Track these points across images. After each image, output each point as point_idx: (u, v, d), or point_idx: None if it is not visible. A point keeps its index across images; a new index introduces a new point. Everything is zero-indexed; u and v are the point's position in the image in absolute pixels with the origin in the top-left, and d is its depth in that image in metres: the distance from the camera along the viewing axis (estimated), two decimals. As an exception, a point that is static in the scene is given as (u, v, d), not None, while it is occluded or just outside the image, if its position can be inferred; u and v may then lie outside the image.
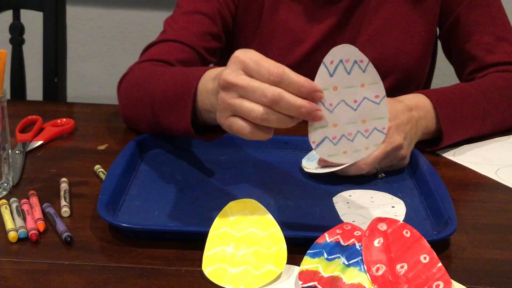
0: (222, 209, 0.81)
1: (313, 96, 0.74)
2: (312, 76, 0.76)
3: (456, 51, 1.29)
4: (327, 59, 0.74)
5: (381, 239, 0.75)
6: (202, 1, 1.21)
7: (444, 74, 1.52)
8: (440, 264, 0.72)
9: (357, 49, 0.74)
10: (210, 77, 0.88)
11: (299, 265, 0.74)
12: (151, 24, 2.17)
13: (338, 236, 0.76)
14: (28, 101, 1.49)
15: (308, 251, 0.75)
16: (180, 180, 0.96)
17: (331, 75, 0.74)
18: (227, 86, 0.77)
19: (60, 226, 0.82)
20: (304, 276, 0.72)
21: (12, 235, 0.80)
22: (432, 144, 1.10)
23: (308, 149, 1.03)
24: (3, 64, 0.88)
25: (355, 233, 0.76)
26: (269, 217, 0.80)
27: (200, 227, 0.81)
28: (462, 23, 1.25)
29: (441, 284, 0.70)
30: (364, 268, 0.73)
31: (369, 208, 0.89)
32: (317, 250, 0.75)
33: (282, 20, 1.23)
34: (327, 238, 0.76)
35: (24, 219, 0.83)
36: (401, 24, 1.24)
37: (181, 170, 1.00)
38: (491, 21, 1.24)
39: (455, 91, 1.14)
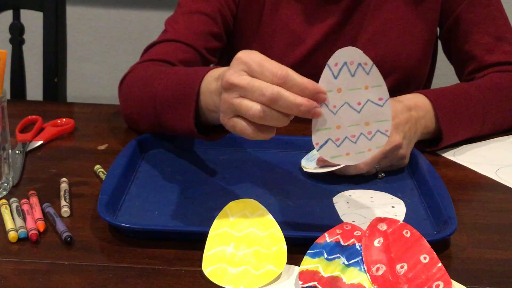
0: (222, 209, 0.81)
1: (316, 98, 0.74)
2: (312, 76, 0.76)
3: (456, 51, 1.29)
4: (331, 61, 0.74)
5: (381, 239, 0.75)
6: (203, 1, 1.21)
7: (444, 74, 1.52)
8: (440, 264, 0.72)
9: (361, 51, 0.75)
10: (213, 77, 0.89)
11: (299, 265, 0.74)
12: (151, 24, 2.17)
13: (338, 236, 0.76)
14: (28, 101, 1.49)
15: (308, 251, 0.75)
16: (180, 180, 0.96)
17: (335, 77, 0.75)
18: (229, 87, 0.77)
19: (60, 226, 0.82)
20: (304, 276, 0.72)
21: (12, 235, 0.80)
22: (432, 144, 1.10)
23: (308, 149, 1.03)
24: (3, 64, 0.88)
25: (355, 233, 0.76)
26: (269, 217, 0.80)
27: (200, 227, 0.81)
28: (462, 23, 1.25)
29: (441, 284, 0.70)
30: (364, 268, 0.73)
31: (369, 208, 0.89)
32: (317, 250, 0.75)
33: (282, 20, 1.23)
34: (327, 238, 0.76)
35: (24, 219, 0.83)
36: (401, 24, 1.24)
37: (181, 170, 1.00)
38: (491, 21, 1.24)
39: (455, 91, 1.14)
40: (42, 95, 1.54)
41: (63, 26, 1.53)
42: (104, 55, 2.25)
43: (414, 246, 0.74)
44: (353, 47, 0.75)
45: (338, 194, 0.93)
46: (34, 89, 1.66)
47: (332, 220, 0.85)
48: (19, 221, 0.82)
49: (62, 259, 0.77)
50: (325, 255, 0.74)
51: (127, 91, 1.11)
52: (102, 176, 0.95)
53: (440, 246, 0.79)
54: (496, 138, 1.17)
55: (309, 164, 0.99)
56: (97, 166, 0.99)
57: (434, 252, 0.73)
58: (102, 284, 0.72)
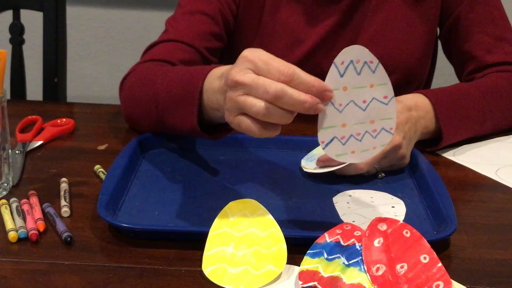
0: (222, 209, 0.81)
1: (322, 96, 0.74)
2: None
3: (456, 51, 1.29)
4: (338, 59, 0.74)
5: (381, 239, 0.75)
6: (204, 1, 1.21)
7: (444, 74, 1.52)
8: (440, 264, 0.72)
9: (367, 50, 0.75)
10: (215, 75, 0.89)
11: (299, 265, 0.74)
12: (151, 24, 2.17)
13: (338, 236, 0.76)
14: (28, 101, 1.49)
15: (308, 251, 0.75)
16: (180, 180, 0.96)
17: (341, 76, 0.75)
18: (234, 85, 0.77)
19: (60, 226, 0.82)
20: (304, 276, 0.72)
21: (12, 235, 0.80)
22: (431, 144, 1.10)
23: (308, 149, 1.03)
24: (3, 64, 0.88)
25: (355, 233, 0.76)
26: (269, 217, 0.80)
27: (200, 227, 0.81)
28: (462, 23, 1.25)
29: (441, 284, 0.70)
30: (364, 268, 0.73)
31: (369, 208, 0.89)
32: (317, 250, 0.75)
33: (282, 20, 1.24)
34: (327, 238, 0.76)
35: (24, 219, 0.83)
36: (401, 24, 1.24)
37: (181, 170, 1.00)
38: (491, 21, 1.24)
39: (455, 91, 1.14)
40: (42, 95, 1.54)
41: (63, 26, 1.53)
42: (104, 55, 2.25)
43: (414, 246, 0.74)
44: (360, 46, 0.75)
45: (338, 194, 0.93)
46: (34, 89, 1.66)
47: (332, 220, 0.85)
48: (19, 221, 0.82)
49: (62, 259, 0.77)
50: (325, 255, 0.74)
51: (128, 91, 1.11)
52: (102, 176, 0.95)
53: (440, 246, 0.79)
54: (496, 138, 1.17)
55: (309, 164, 0.99)
56: (97, 166, 0.99)
57: (434, 252, 0.73)
58: (102, 284, 0.72)
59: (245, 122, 0.77)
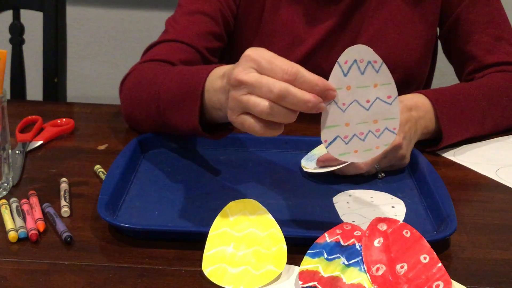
0: (222, 209, 0.81)
1: (326, 95, 0.74)
2: None
3: (456, 51, 1.29)
4: (341, 59, 0.74)
5: (381, 239, 0.75)
6: (204, 1, 1.21)
7: (444, 74, 1.52)
8: (440, 264, 0.72)
9: (371, 49, 0.75)
10: (217, 75, 0.89)
11: (299, 265, 0.74)
12: (151, 24, 2.17)
13: (338, 236, 0.76)
14: (28, 101, 1.49)
15: (308, 251, 0.75)
16: (180, 180, 0.96)
17: (345, 75, 0.75)
18: (238, 84, 0.77)
19: (60, 226, 0.82)
20: (304, 276, 0.72)
21: (12, 235, 0.80)
22: (431, 144, 1.10)
23: (308, 149, 1.03)
24: (3, 64, 0.88)
25: (355, 233, 0.76)
26: (269, 217, 0.80)
27: (200, 227, 0.81)
28: (462, 23, 1.25)
29: (441, 284, 0.70)
30: (364, 268, 0.73)
31: (369, 208, 0.89)
32: (317, 250, 0.75)
33: (282, 20, 1.24)
34: (327, 238, 0.76)
35: (24, 219, 0.83)
36: (401, 24, 1.24)
37: (181, 170, 1.00)
38: (491, 21, 1.24)
39: (455, 91, 1.14)
40: (42, 95, 1.54)
41: (63, 26, 1.53)
42: (104, 55, 2.25)
43: (414, 246, 0.74)
44: (364, 45, 0.75)
45: (338, 194, 0.93)
46: (34, 89, 1.66)
47: (332, 220, 0.85)
48: (19, 221, 0.82)
49: (62, 259, 0.77)
50: (325, 255, 0.74)
51: (128, 91, 1.11)
52: (102, 176, 0.95)
53: (440, 246, 0.79)
54: (496, 138, 1.17)
55: (309, 164, 0.99)
56: (97, 166, 0.99)
57: (434, 252, 0.73)
58: (102, 284, 0.72)
59: (248, 121, 0.77)
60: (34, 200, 0.88)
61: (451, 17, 1.25)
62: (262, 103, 0.75)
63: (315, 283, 0.71)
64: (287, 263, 0.75)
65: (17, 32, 1.53)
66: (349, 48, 0.74)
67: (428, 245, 0.74)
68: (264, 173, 1.00)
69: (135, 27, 2.20)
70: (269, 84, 0.74)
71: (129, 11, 2.20)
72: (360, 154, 0.79)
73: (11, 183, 0.93)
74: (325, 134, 0.77)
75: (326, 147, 0.77)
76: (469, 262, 0.79)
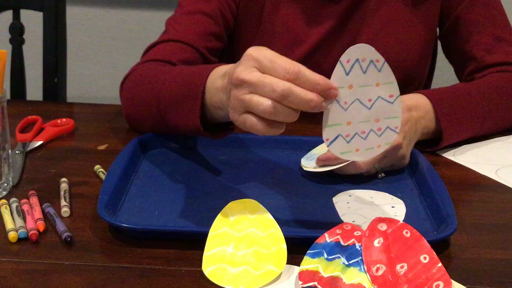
0: (222, 209, 0.81)
1: (328, 94, 0.74)
2: None
3: (456, 52, 1.29)
4: (343, 58, 0.74)
5: (381, 239, 0.75)
6: (204, 1, 1.21)
7: (444, 74, 1.52)
8: (440, 264, 0.72)
9: (373, 48, 0.75)
10: (218, 74, 0.89)
11: (299, 265, 0.74)
12: (151, 24, 2.17)
13: (338, 236, 0.76)
14: (28, 101, 1.49)
15: (308, 251, 0.75)
16: (180, 180, 0.96)
17: (347, 74, 0.75)
18: (240, 83, 0.77)
19: (60, 226, 0.82)
20: (304, 276, 0.72)
21: (12, 235, 0.80)
22: (432, 144, 1.10)
23: (308, 149, 1.03)
24: (3, 64, 0.88)
25: (355, 233, 0.76)
26: (269, 217, 0.80)
27: (200, 227, 0.81)
28: (462, 24, 1.25)
29: (441, 284, 0.70)
30: (364, 268, 0.73)
31: (369, 208, 0.89)
32: (317, 250, 0.75)
33: (282, 20, 1.24)
34: (327, 238, 0.76)
35: (24, 219, 0.83)
36: (400, 24, 1.24)
37: (181, 170, 1.00)
38: (490, 21, 1.24)
39: (455, 91, 1.14)
40: (42, 95, 1.54)
41: (63, 26, 1.53)
42: (104, 55, 2.25)
43: (414, 246, 0.74)
44: (366, 44, 0.75)
45: (338, 194, 0.93)
46: (34, 89, 1.66)
47: (332, 220, 0.85)
48: (19, 221, 0.82)
49: (62, 259, 0.77)
50: (325, 255, 0.74)
51: (129, 92, 1.11)
52: (102, 176, 0.95)
53: (440, 246, 0.79)
54: (496, 138, 1.17)
55: (308, 163, 0.99)
56: (97, 166, 0.99)
57: (434, 252, 0.73)
58: (102, 284, 0.72)
59: (250, 120, 0.77)
60: (34, 200, 0.88)
61: (451, 17, 1.25)
62: (265, 102, 0.75)
63: (315, 283, 0.71)
64: (287, 263, 0.75)
65: (17, 32, 1.53)
66: (351, 47, 0.74)
67: (428, 245, 0.74)
68: (264, 173, 1.00)
69: (135, 27, 2.20)
70: (272, 84, 0.74)
71: (129, 11, 2.20)
72: (362, 153, 0.79)
73: (11, 183, 0.93)
74: (326, 133, 0.77)
75: (328, 146, 0.77)
76: (469, 262, 0.79)
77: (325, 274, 0.72)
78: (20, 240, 0.80)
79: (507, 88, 1.20)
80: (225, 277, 0.73)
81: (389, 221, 0.76)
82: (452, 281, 0.71)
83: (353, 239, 0.76)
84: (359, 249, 0.74)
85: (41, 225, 0.82)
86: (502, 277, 0.76)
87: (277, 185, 0.95)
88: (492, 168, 1.05)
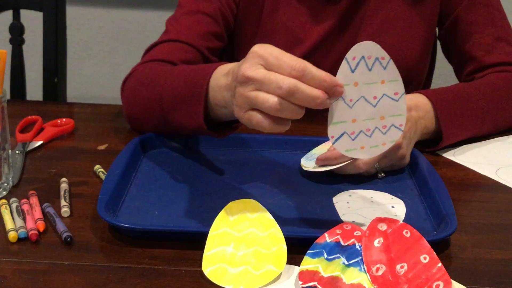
0: (222, 209, 0.81)
1: (334, 91, 0.74)
2: None
3: (455, 52, 1.29)
4: (349, 55, 0.74)
5: (381, 239, 0.75)
6: (204, 1, 1.21)
7: (444, 74, 1.52)
8: (440, 264, 0.72)
9: (379, 46, 0.75)
10: (222, 73, 0.89)
11: (299, 265, 0.74)
12: (151, 24, 2.17)
13: (338, 236, 0.76)
14: (28, 101, 1.49)
15: (308, 251, 0.75)
16: (180, 180, 0.96)
17: (353, 71, 0.75)
18: (245, 81, 0.77)
19: (60, 226, 0.82)
20: (304, 276, 0.72)
21: (12, 235, 0.80)
22: (431, 144, 1.10)
23: (308, 149, 1.03)
24: (3, 64, 0.88)
25: (355, 233, 0.76)
26: (269, 217, 0.80)
27: (200, 227, 0.81)
28: (462, 24, 1.25)
29: (441, 284, 0.70)
30: (364, 268, 0.73)
31: (369, 208, 0.89)
32: (317, 250, 0.75)
33: (282, 20, 1.24)
34: (327, 238, 0.76)
35: (24, 219, 0.83)
36: (400, 24, 1.24)
37: (181, 170, 1.00)
38: (490, 21, 1.24)
39: (455, 91, 1.14)
40: (42, 95, 1.54)
41: (63, 26, 1.53)
42: (104, 55, 2.25)
43: (414, 246, 0.74)
44: (371, 42, 0.75)
45: (338, 194, 0.93)
46: (34, 89, 1.66)
47: (332, 220, 0.85)
48: (19, 221, 0.82)
49: (62, 259, 0.77)
50: (325, 255, 0.74)
51: (130, 92, 1.11)
52: (102, 176, 0.95)
53: (440, 246, 0.79)
54: (496, 138, 1.17)
55: (308, 163, 0.99)
56: (97, 166, 0.99)
57: (434, 252, 0.73)
58: (102, 284, 0.72)
59: (256, 117, 0.77)
60: (34, 200, 0.88)
61: (451, 17, 1.25)
62: (271, 99, 0.75)
63: (315, 283, 0.71)
64: (287, 263, 0.75)
65: (17, 32, 1.53)
66: (357, 45, 0.75)
67: (428, 245, 0.74)
68: (264, 173, 1.00)
69: (135, 27, 2.20)
70: (278, 80, 0.74)
71: (129, 11, 2.20)
72: (367, 151, 0.79)
73: (11, 183, 0.93)
74: (332, 130, 0.77)
75: (333, 143, 0.78)
76: (469, 262, 0.79)
77: (325, 274, 0.72)
78: (20, 240, 0.80)
79: (507, 88, 1.20)
80: (225, 277, 0.73)
81: (389, 221, 0.76)
82: (452, 281, 0.71)
83: (353, 239, 0.76)
84: (359, 249, 0.74)
85: (41, 225, 0.82)
86: (502, 277, 0.76)
87: (277, 185, 0.95)
88: (492, 168, 1.05)
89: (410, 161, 1.01)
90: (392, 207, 0.90)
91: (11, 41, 1.54)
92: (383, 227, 0.76)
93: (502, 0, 1.27)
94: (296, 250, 0.76)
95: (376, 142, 0.79)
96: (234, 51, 1.28)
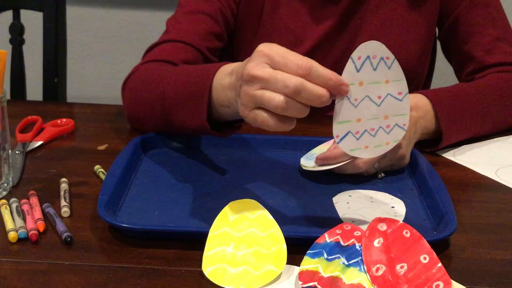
0: (222, 209, 0.81)
1: (339, 90, 0.75)
2: None
3: (455, 52, 1.29)
4: (355, 54, 0.75)
5: (381, 239, 0.75)
6: (204, 1, 1.21)
7: (444, 74, 1.52)
8: (440, 264, 0.72)
9: (384, 46, 0.75)
10: (225, 72, 0.89)
11: (299, 265, 0.74)
12: (151, 24, 2.17)
13: (338, 236, 0.76)
14: (28, 101, 1.49)
15: (308, 251, 0.75)
16: (180, 180, 0.96)
17: (358, 71, 0.75)
18: (251, 79, 0.77)
19: (60, 226, 0.82)
20: (304, 276, 0.72)
21: (12, 235, 0.80)
22: (431, 144, 1.10)
23: (308, 149, 1.03)
24: (3, 64, 0.88)
25: (355, 233, 0.76)
26: (269, 217, 0.80)
27: (200, 227, 0.81)
28: (462, 24, 1.25)
29: (441, 284, 0.70)
30: (364, 268, 0.73)
31: (369, 208, 0.89)
32: (317, 250, 0.75)
33: (282, 20, 1.24)
34: (327, 238, 0.76)
35: (24, 219, 0.83)
36: (400, 24, 1.24)
37: (181, 170, 1.00)
38: (490, 21, 1.24)
39: (455, 91, 1.14)
40: (42, 95, 1.54)
41: (63, 26, 1.53)
42: (104, 55, 2.25)
43: (414, 246, 0.74)
44: (377, 41, 0.75)
45: (338, 194, 0.93)
46: (34, 89, 1.66)
47: (332, 220, 0.85)
48: (19, 221, 0.82)
49: (62, 259, 0.77)
50: (325, 255, 0.74)
51: (132, 92, 1.11)
52: (102, 176, 0.95)
53: (440, 246, 0.79)
54: (496, 138, 1.17)
55: (308, 162, 0.99)
56: (97, 166, 0.99)
57: (434, 252, 0.73)
58: (102, 284, 0.72)
59: (262, 116, 0.77)
60: (34, 200, 0.88)
61: (451, 18, 1.25)
62: (277, 98, 0.75)
63: (315, 283, 0.71)
64: (287, 263, 0.75)
65: (17, 32, 1.53)
66: (362, 44, 0.75)
67: (428, 245, 0.74)
68: (264, 173, 1.00)
69: (135, 27, 2.20)
70: (285, 79, 0.74)
71: (129, 11, 2.20)
72: (371, 150, 0.80)
73: (11, 183, 0.93)
74: (337, 130, 0.77)
75: (338, 143, 0.78)
76: (469, 262, 0.79)
77: (325, 274, 0.72)
78: (20, 240, 0.80)
79: (507, 88, 1.20)
80: (225, 277, 0.73)
81: (389, 221, 0.76)
82: (452, 281, 0.71)
83: (353, 239, 0.76)
84: (359, 249, 0.74)
85: (41, 225, 0.82)
86: (502, 277, 0.76)
87: (277, 185, 0.95)
88: (492, 168, 1.05)
89: (410, 161, 1.01)
90: (392, 207, 0.90)
91: (11, 41, 1.54)
92: (383, 227, 0.76)
93: (502, 0, 1.27)
94: (296, 250, 0.76)
95: (380, 142, 0.79)
96: (234, 51, 1.28)
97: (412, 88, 1.26)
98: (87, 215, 0.86)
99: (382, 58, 0.76)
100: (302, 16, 1.23)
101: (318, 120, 1.08)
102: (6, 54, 0.88)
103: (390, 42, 1.23)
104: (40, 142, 1.08)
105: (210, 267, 0.74)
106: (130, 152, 0.99)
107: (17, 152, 1.03)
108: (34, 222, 0.82)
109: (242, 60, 0.84)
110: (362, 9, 1.23)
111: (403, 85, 0.78)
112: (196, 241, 0.78)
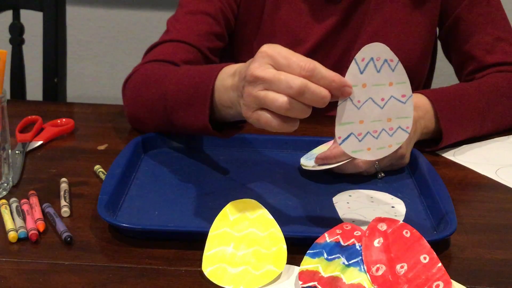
0: (222, 209, 0.81)
1: (342, 91, 0.75)
2: None
3: (456, 51, 1.29)
4: (359, 56, 0.75)
5: (381, 239, 0.75)
6: (205, 1, 1.21)
7: (444, 74, 1.52)
8: (440, 264, 0.72)
9: (388, 48, 0.75)
10: (228, 73, 0.89)
11: (299, 265, 0.74)
12: (151, 24, 2.17)
13: (338, 236, 0.76)
14: (28, 101, 1.49)
15: (308, 251, 0.75)
16: (180, 180, 0.96)
17: (361, 72, 0.75)
18: (254, 80, 0.77)
19: (60, 226, 0.82)
20: (304, 276, 0.72)
21: (12, 235, 0.80)
22: (431, 144, 1.10)
23: (308, 149, 1.03)
24: (3, 64, 0.88)
25: (355, 233, 0.76)
26: (269, 217, 0.80)
27: (200, 227, 0.81)
28: (462, 24, 1.25)
29: (441, 284, 0.70)
30: (364, 268, 0.73)
31: (369, 208, 0.89)
32: (317, 250, 0.75)
33: (283, 19, 1.24)
34: (327, 238, 0.76)
35: (24, 219, 0.83)
36: (401, 24, 1.24)
37: (181, 170, 1.00)
38: (490, 21, 1.24)
39: (455, 91, 1.14)
40: (42, 95, 1.54)
41: (63, 26, 1.53)
42: (104, 55, 2.25)
43: (414, 246, 0.74)
44: (381, 43, 0.75)
45: (338, 194, 0.93)
46: (34, 89, 1.66)
47: (332, 220, 0.85)
48: (19, 221, 0.82)
49: (62, 259, 0.77)
50: (325, 255, 0.74)
51: (132, 92, 1.11)
52: (102, 176, 0.95)
53: (440, 246, 0.79)
54: (496, 138, 1.17)
55: (307, 162, 0.99)
56: (97, 166, 0.99)
57: (434, 252, 0.73)
58: (102, 284, 0.72)
59: (265, 117, 0.77)
60: (34, 200, 0.88)
61: (451, 17, 1.25)
62: (280, 99, 0.75)
63: (315, 283, 0.71)
64: (287, 263, 0.75)
65: (17, 32, 1.53)
66: (366, 46, 0.75)
67: (428, 245, 0.74)
68: (264, 173, 1.00)
69: (135, 27, 2.20)
70: (288, 80, 0.74)
71: (129, 11, 2.20)
72: (373, 152, 0.80)
73: (11, 183, 0.93)
74: (339, 131, 0.77)
75: (340, 144, 0.78)
76: (469, 262, 0.79)
77: (325, 274, 0.72)
78: (20, 240, 0.80)
79: (507, 88, 1.20)
80: (225, 277, 0.73)
81: (389, 221, 0.76)
82: (452, 281, 0.71)
83: (353, 239, 0.76)
84: (359, 249, 0.74)
85: (41, 225, 0.82)
86: (502, 277, 0.76)
87: (277, 185, 0.95)
88: (492, 168, 1.05)
89: (410, 161, 1.01)
90: (392, 207, 0.90)
91: (11, 41, 1.54)
92: (383, 227, 0.76)
93: (502, 0, 1.27)
94: (296, 250, 0.76)
95: (382, 144, 0.79)
96: (235, 50, 1.28)
97: (413, 88, 1.25)
98: (87, 215, 0.86)
99: (386, 60, 0.76)
100: (303, 15, 1.23)
101: (318, 120, 1.08)
102: (6, 54, 0.88)
103: (391, 42, 1.23)
104: (40, 142, 1.08)
105: (210, 267, 0.74)
106: (130, 152, 0.99)
107: (17, 152, 1.03)
108: (34, 222, 0.82)
109: (242, 60, 0.84)
110: (363, 8, 1.23)
111: (407, 88, 0.78)
112: (196, 241, 0.78)
